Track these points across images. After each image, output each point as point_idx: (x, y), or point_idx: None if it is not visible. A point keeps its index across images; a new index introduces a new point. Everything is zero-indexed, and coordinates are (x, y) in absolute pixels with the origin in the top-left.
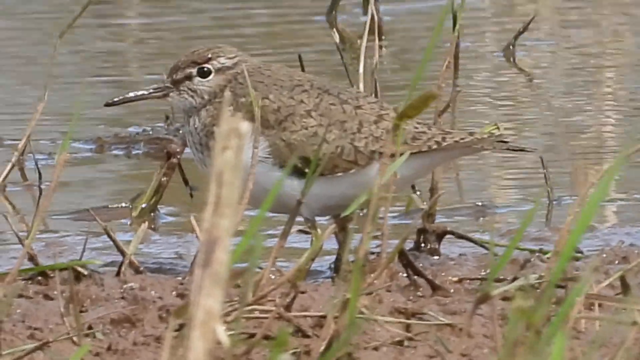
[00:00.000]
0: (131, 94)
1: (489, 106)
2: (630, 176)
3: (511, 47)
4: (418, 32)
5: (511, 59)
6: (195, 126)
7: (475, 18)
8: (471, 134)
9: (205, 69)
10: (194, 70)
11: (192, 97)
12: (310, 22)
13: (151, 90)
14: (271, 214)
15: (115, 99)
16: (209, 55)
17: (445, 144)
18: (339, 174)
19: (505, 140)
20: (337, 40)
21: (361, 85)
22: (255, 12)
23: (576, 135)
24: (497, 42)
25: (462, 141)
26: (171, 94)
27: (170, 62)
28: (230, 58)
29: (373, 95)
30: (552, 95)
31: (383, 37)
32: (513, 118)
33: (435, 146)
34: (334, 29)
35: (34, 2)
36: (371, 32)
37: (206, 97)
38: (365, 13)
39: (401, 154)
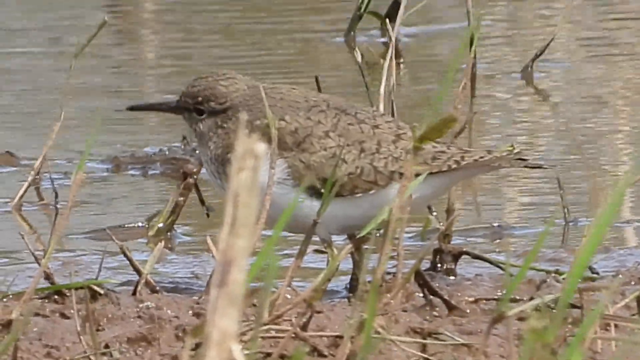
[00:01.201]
0: (152, 103)
1: (507, 128)
2: None
3: (529, 68)
4: (435, 54)
5: (529, 81)
6: (210, 157)
7: (493, 39)
8: (489, 152)
9: (200, 108)
10: (192, 106)
11: (189, 126)
12: (328, 44)
13: (167, 106)
14: (288, 234)
15: (137, 105)
16: (199, 99)
17: (464, 162)
18: (359, 195)
19: (524, 158)
20: (360, 60)
21: (381, 106)
22: (272, 33)
23: (594, 156)
24: (515, 63)
25: (481, 160)
26: (181, 115)
27: (186, 84)
28: (220, 104)
29: (390, 115)
30: (571, 117)
31: (400, 59)
32: (530, 139)
33: (454, 165)
34: (356, 49)
35: (50, 20)
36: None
37: (199, 137)
38: (383, 35)
39: (419, 175)
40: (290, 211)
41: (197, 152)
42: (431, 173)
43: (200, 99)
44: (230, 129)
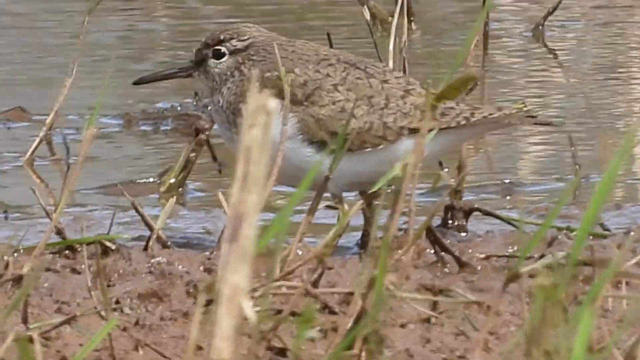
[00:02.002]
0: (159, 73)
1: (518, 85)
2: None
3: (540, 27)
4: (447, 11)
5: (540, 39)
6: (221, 104)
7: None
8: (499, 109)
9: (220, 50)
10: (209, 52)
11: (206, 78)
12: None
13: (177, 70)
14: (293, 189)
15: (144, 77)
16: (222, 37)
17: (474, 119)
18: (367, 150)
19: (534, 115)
20: (368, 17)
21: (390, 63)
22: None
23: (604, 113)
24: (526, 22)
25: (490, 116)
26: (194, 74)
27: (196, 39)
28: (242, 40)
29: (402, 72)
30: (582, 75)
31: (412, 17)
32: (541, 97)
33: (464, 122)
34: (365, 6)
35: None
36: (400, 10)
37: (217, 79)
38: None
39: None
40: (313, 171)
41: (208, 108)
42: (440, 129)
43: (222, 37)
44: (246, 76)
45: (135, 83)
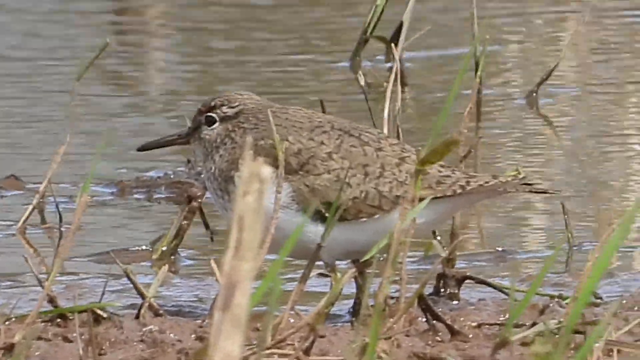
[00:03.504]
0: (161, 139)
1: (512, 152)
2: None
3: (534, 94)
4: (439, 78)
5: (534, 106)
6: (212, 172)
7: (498, 64)
8: (495, 177)
9: (211, 117)
10: (202, 119)
11: (200, 145)
12: (333, 68)
13: (177, 137)
14: (291, 259)
15: (147, 144)
16: (212, 104)
17: (469, 187)
18: (363, 219)
19: (529, 182)
20: (363, 83)
21: (385, 130)
22: (278, 58)
23: (599, 181)
24: (519, 89)
25: (486, 185)
26: (191, 140)
27: (189, 107)
28: (232, 107)
29: (396, 138)
30: (575, 141)
31: (406, 83)
32: (535, 164)
33: (459, 190)
34: (360, 73)
35: (51, 43)
36: (395, 77)
37: (207, 145)
38: (387, 60)
39: (423, 199)
40: (295, 238)
41: (201, 175)
42: (436, 197)
43: (213, 104)
44: (238, 144)
45: (140, 150)
